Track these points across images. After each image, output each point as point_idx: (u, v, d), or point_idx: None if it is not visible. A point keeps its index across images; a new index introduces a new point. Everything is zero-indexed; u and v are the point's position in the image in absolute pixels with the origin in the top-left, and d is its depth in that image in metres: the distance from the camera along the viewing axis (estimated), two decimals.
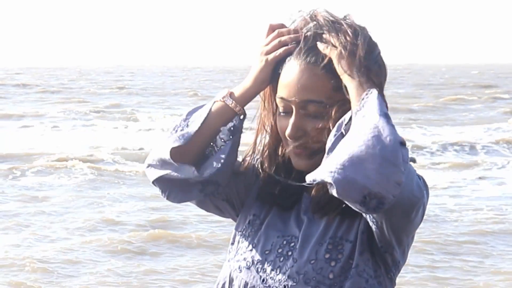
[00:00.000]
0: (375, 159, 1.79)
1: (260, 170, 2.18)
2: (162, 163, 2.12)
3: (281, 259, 2.06)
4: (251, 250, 2.12)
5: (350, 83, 1.95)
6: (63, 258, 8.92)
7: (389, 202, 1.82)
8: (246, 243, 2.14)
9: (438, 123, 26.81)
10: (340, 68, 1.96)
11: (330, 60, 1.99)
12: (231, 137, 2.12)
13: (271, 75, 2.10)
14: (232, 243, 2.19)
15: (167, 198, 2.18)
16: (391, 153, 1.80)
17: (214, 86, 54.14)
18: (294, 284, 2.02)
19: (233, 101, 2.12)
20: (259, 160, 2.19)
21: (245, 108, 2.15)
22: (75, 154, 17.92)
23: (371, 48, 2.02)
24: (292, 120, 2.04)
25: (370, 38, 2.03)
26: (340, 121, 1.93)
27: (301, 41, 2.05)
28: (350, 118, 1.91)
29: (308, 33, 2.05)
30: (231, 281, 2.13)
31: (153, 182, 2.17)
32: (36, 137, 22.87)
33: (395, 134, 1.82)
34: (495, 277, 8.47)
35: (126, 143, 20.59)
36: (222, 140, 2.12)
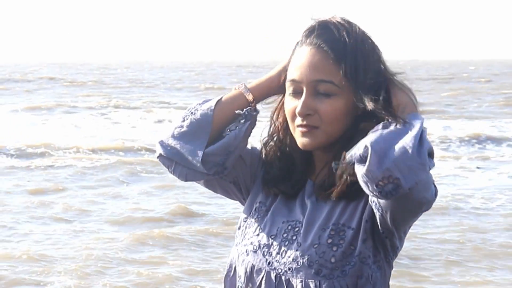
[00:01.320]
0: (409, 150, 1.84)
1: (265, 159, 2.19)
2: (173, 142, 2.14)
3: (286, 243, 2.07)
4: (257, 234, 2.12)
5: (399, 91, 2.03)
6: (104, 252, 8.53)
7: (402, 192, 1.85)
8: (253, 228, 2.14)
9: (443, 116, 26.72)
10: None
11: (341, 46, 2.02)
12: (241, 121, 2.14)
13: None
14: (239, 228, 2.19)
15: (173, 173, 2.17)
16: (423, 153, 1.86)
17: (229, 80, 53.89)
18: (298, 266, 2.03)
19: (247, 90, 2.16)
20: (267, 148, 2.19)
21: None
22: (102, 146, 17.64)
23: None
24: (303, 98, 2.04)
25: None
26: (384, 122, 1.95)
27: (312, 28, 2.07)
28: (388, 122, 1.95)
29: (319, 22, 2.08)
30: (238, 264, 2.13)
31: (158, 157, 2.17)
32: (65, 129, 22.56)
33: (430, 143, 1.90)
34: None
35: (148, 134, 20.30)
36: (232, 127, 2.14)
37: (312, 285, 2.01)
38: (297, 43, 2.10)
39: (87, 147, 17.44)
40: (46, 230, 9.70)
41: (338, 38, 2.03)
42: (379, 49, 2.08)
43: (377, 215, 1.98)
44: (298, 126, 2.06)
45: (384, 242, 2.04)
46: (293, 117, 2.07)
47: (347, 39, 2.03)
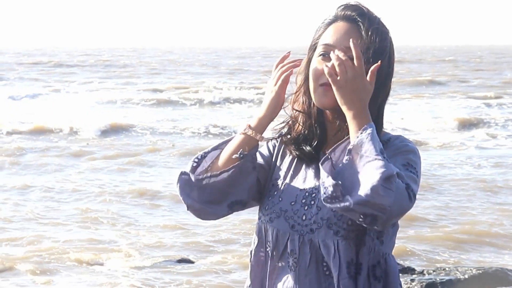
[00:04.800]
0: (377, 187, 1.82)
1: (284, 137, 2.12)
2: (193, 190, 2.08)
3: (306, 208, 2.04)
4: (278, 203, 2.08)
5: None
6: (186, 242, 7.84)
7: (381, 219, 1.85)
8: (273, 199, 2.09)
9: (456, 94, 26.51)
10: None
11: (370, 21, 2.00)
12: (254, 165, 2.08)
13: (281, 102, 2.07)
14: (260, 206, 2.13)
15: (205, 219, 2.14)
16: (386, 184, 1.82)
17: (259, 63, 53.43)
18: (319, 228, 2.00)
19: (253, 131, 2.06)
20: (285, 129, 2.12)
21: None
22: (165, 130, 17.13)
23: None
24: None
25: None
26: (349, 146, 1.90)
27: (346, 5, 2.04)
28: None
29: (351, 3, 2.05)
30: (265, 231, 2.09)
31: (186, 204, 2.10)
32: (131, 111, 21.67)
33: (389, 169, 1.83)
34: None
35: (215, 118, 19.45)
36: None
37: (331, 244, 1.98)
38: (326, 20, 2.05)
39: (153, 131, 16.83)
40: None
41: (367, 13, 2.01)
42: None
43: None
44: (322, 84, 1.98)
45: None
46: (319, 76, 1.99)
47: (372, 16, 2.01)
